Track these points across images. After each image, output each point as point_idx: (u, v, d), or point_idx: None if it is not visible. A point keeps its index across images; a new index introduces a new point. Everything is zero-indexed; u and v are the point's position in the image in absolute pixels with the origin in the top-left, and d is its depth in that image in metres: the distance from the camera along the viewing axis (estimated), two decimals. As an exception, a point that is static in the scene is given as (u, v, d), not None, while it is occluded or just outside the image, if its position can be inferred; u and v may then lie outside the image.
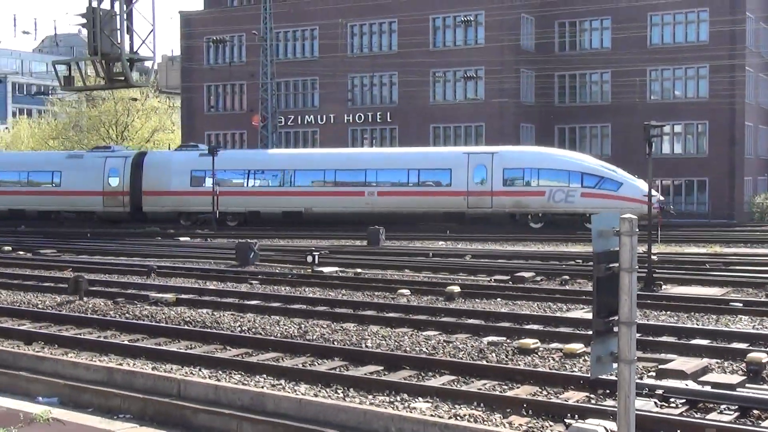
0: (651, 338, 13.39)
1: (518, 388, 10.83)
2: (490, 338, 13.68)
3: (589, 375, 9.74)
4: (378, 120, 56.74)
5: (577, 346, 12.62)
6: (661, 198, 39.07)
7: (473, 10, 53.52)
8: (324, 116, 57.91)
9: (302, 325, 14.98)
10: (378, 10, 55.98)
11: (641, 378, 10.85)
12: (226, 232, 38.62)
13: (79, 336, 14.30)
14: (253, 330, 14.66)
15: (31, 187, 46.58)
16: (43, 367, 12.29)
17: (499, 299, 17.94)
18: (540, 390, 10.69)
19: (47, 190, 46.09)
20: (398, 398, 10.46)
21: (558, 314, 15.96)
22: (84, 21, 18.76)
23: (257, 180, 44.19)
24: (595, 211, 35.69)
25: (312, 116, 58.36)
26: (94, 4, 18.52)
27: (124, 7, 18.77)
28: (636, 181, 38.30)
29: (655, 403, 9.85)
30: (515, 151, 42.28)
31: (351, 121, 57.42)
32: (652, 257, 19.94)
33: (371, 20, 56.71)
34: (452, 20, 54.41)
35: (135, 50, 19.18)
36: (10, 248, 30.03)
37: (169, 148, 57.40)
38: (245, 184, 43.98)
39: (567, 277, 21.05)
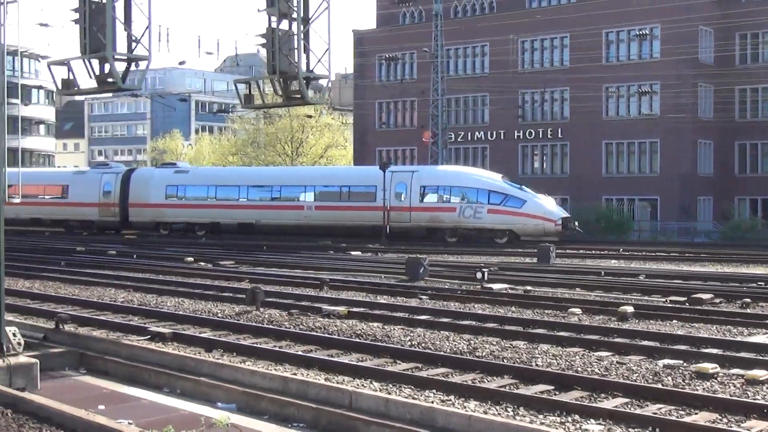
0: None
1: (696, 414, 10.42)
2: (666, 361, 13.23)
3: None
4: (549, 136, 56.15)
5: (761, 373, 12.03)
6: (566, 215, 41.64)
7: (648, 23, 52.27)
8: (494, 132, 57.81)
9: (471, 342, 14.96)
10: (549, 25, 55.49)
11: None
12: (395, 247, 39.05)
13: (256, 345, 14.77)
14: (423, 345, 14.75)
15: (47, 198, 51.89)
16: (223, 374, 12.79)
17: (674, 321, 17.33)
18: (719, 417, 10.26)
19: (58, 201, 51.68)
20: (569, 419, 10.28)
21: (739, 338, 15.28)
22: (263, 41, 19.43)
23: (219, 194, 47.69)
24: (501, 227, 40.81)
25: (482, 132, 58.36)
26: (273, 25, 19.16)
27: (302, 27, 19.33)
28: (541, 200, 41.16)
29: None
30: (432, 169, 45.97)
31: (521, 137, 57.07)
32: None
33: (542, 35, 56.27)
34: (626, 34, 53.30)
35: (311, 69, 19.69)
36: (192, 259, 31.41)
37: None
38: (209, 198, 47.61)
39: (748, 300, 20.10)
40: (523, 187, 43.04)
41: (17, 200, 13.54)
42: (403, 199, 42.32)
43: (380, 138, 63.03)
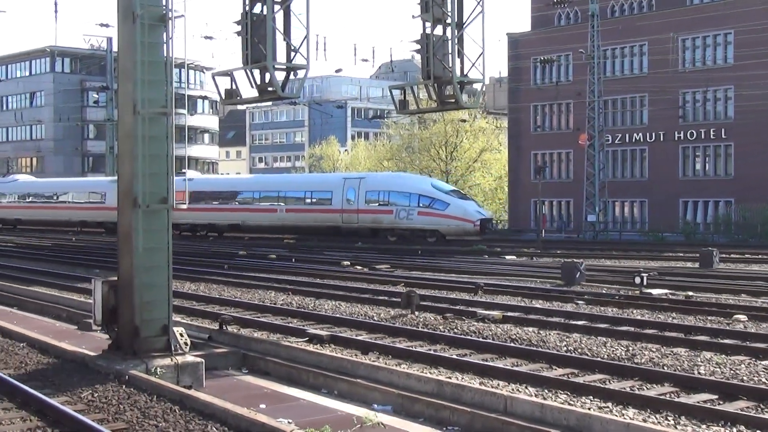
0: None
1: None
2: (840, 372, 12.57)
3: None
4: (711, 137, 54.17)
5: None
6: (487, 216, 46.52)
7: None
8: (653, 134, 56.24)
9: (630, 348, 14.62)
10: (712, 22, 53.51)
11: None
12: (551, 252, 38.59)
13: (411, 348, 14.91)
14: (579, 350, 14.52)
15: (90, 203, 60.67)
16: (379, 376, 12.97)
17: None
18: None
19: (99, 206, 58.98)
20: (734, 430, 9.91)
21: None
22: (418, 47, 19.58)
23: (215, 199, 53.32)
24: (430, 227, 45.15)
25: (640, 134, 56.88)
26: (428, 30, 19.29)
27: (456, 32, 19.38)
28: (465, 203, 45.73)
29: None
30: (377, 175, 54.28)
31: (682, 138, 55.27)
32: None
33: (705, 32, 54.33)
34: (797, 28, 50.78)
35: (465, 73, 19.69)
36: (348, 263, 31.97)
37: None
38: (207, 203, 52.47)
39: None
40: (453, 190, 48.32)
41: (184, 206, 14.14)
42: (351, 203, 47.24)
43: (535, 141, 62.39)
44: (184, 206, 14.16)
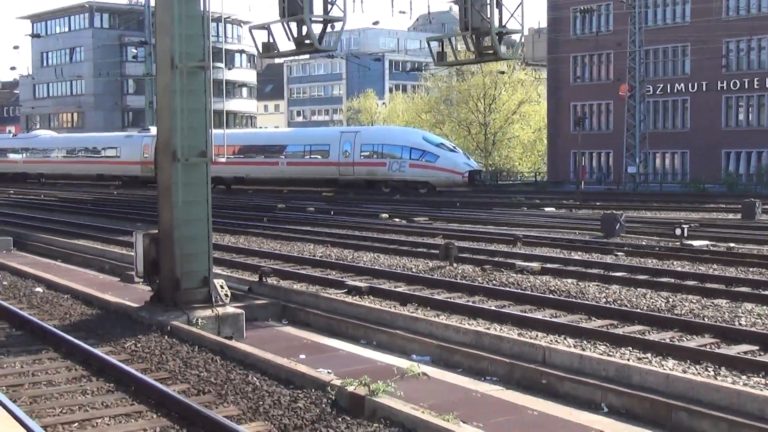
0: None
1: None
2: None
3: None
4: (755, 86, 53.19)
5: None
6: (476, 167, 48.70)
7: None
8: (695, 84, 55.35)
9: (670, 299, 14.55)
10: (757, -32, 52.30)
11: None
12: (591, 203, 38.35)
13: (449, 300, 14.95)
14: (619, 302, 14.47)
15: (106, 158, 63.02)
16: (418, 328, 13.05)
17: None
18: None
19: (115, 160, 61.83)
20: (775, 381, 9.86)
21: None
22: (456, -2, 19.41)
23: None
24: (420, 179, 46.68)
25: (682, 84, 56.00)
26: (466, -20, 19.06)
27: (494, -19, 19.14)
28: (455, 156, 47.18)
29: None
30: (372, 129, 55.61)
31: (725, 88, 54.35)
32: None
33: (749, -21, 53.14)
34: None
35: (503, 24, 19.49)
36: (387, 215, 32.01)
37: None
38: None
39: None
40: (443, 143, 49.53)
41: (222, 160, 14.22)
42: (348, 156, 48.73)
43: (575, 93, 61.70)
44: (223, 159, 14.24)
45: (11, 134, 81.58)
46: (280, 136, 58.96)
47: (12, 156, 71.35)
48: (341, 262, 19.71)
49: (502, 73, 66.87)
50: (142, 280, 14.01)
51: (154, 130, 62.53)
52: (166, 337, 11.73)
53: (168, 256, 13.04)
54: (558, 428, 8.28)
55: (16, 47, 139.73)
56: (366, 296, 15.47)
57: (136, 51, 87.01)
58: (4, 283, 17.09)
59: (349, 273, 18.22)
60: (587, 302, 14.39)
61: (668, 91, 56.58)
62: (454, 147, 50.12)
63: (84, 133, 79.22)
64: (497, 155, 71.01)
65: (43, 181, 67.08)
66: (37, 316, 13.28)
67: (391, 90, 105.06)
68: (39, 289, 16.12)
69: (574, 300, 14.64)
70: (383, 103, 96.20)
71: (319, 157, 50.82)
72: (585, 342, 11.85)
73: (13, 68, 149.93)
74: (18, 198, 48.42)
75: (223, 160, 13.97)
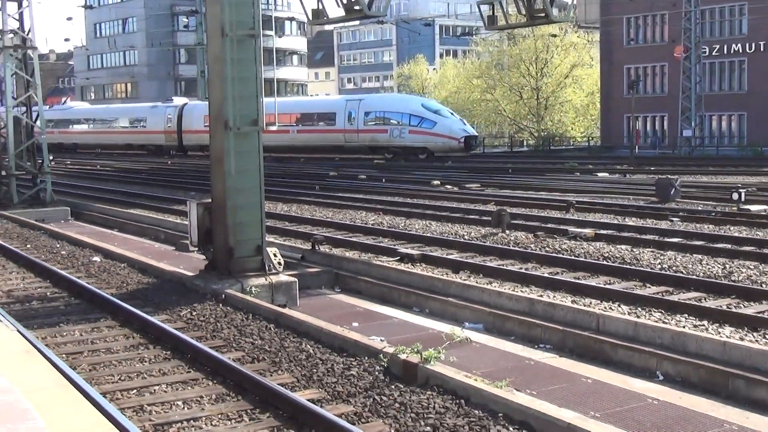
0: None
1: None
2: None
3: None
4: (816, 46, 51.89)
5: None
6: (472, 133, 49.10)
7: None
8: (752, 44, 54.10)
9: (726, 265, 14.33)
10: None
11: None
12: (645, 168, 37.83)
13: (502, 267, 14.89)
14: (674, 268, 14.29)
15: (133, 128, 64.55)
16: (470, 295, 13.03)
17: None
18: None
19: (141, 130, 63.34)
20: (835, 348, 9.67)
21: None
22: (507, -40, 19.18)
23: None
24: (419, 145, 47.84)
25: (739, 45, 54.77)
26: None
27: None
28: (451, 122, 48.36)
29: None
30: (374, 97, 56.66)
31: (784, 48, 53.09)
32: None
33: (811, -65, 51.60)
34: None
35: (556, -14, 19.23)
36: (438, 182, 31.93)
37: None
38: None
39: None
40: (440, 109, 50.50)
41: (274, 128, 14.24)
42: (353, 123, 50.03)
43: (629, 55, 60.69)
44: (274, 128, 14.27)
45: (47, 106, 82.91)
46: (291, 105, 59.80)
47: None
48: (393, 229, 19.73)
49: (554, 36, 65.94)
50: (196, 249, 14.16)
51: (176, 100, 64.79)
52: (221, 305, 11.87)
53: (221, 225, 13.15)
54: (612, 396, 8.22)
55: (69, 18, 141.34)
56: (418, 263, 15.48)
57: (187, 20, 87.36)
58: (63, 252, 17.40)
59: (401, 240, 18.24)
60: (642, 269, 14.23)
61: (725, 52, 55.39)
62: (451, 113, 51.48)
63: (113, 104, 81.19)
64: (549, 120, 70.25)
65: (77, 151, 68.48)
66: (95, 285, 13.51)
67: (441, 55, 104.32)
68: (96, 258, 16.39)
69: (628, 266, 14.50)
70: (434, 69, 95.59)
71: (326, 125, 52.06)
72: (639, 309, 11.73)
73: (67, 39, 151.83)
74: (74, 168, 49.17)
75: (275, 128, 13.94)
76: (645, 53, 59.65)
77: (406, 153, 48.28)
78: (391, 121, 49.07)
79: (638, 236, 17.73)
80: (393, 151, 49.12)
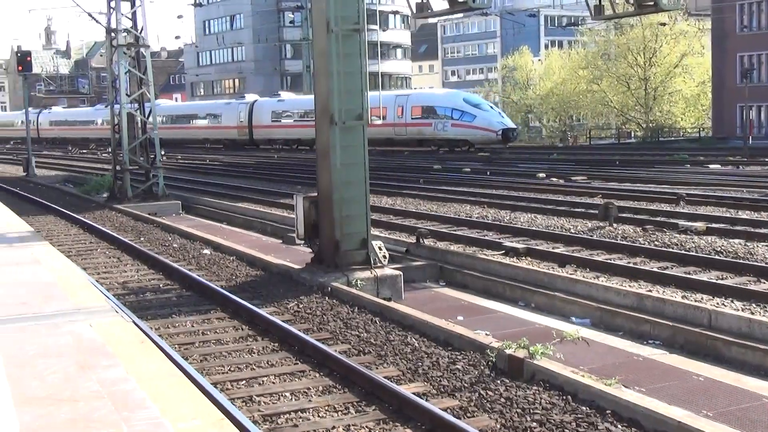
0: None
1: None
2: None
3: None
4: None
5: None
6: (510, 125, 50.46)
7: None
8: None
9: None
10: None
11: None
12: (759, 159, 36.63)
13: (609, 261, 14.66)
14: (791, 263, 13.82)
15: (209, 123, 68.47)
16: (576, 290, 12.87)
17: None
18: None
19: (216, 125, 67.28)
20: None
21: None
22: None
23: (287, 119, 61.31)
24: (461, 137, 49.83)
25: None
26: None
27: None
28: (490, 115, 50.02)
29: None
30: (420, 93, 59.13)
31: None
32: None
33: None
34: None
35: (665, -26, 18.75)
36: (543, 175, 31.57)
37: None
38: (281, 122, 61.46)
39: None
40: (480, 103, 52.23)
41: (379, 122, 14.33)
42: (401, 118, 51.72)
43: (742, 43, 58.84)
44: (379, 122, 14.35)
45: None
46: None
47: None
48: (498, 222, 19.61)
49: (663, 24, 64.35)
50: (302, 242, 14.35)
51: (249, 97, 68.02)
52: (327, 298, 12.00)
53: (327, 219, 13.30)
54: (725, 395, 8.00)
55: (180, 16, 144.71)
56: (523, 257, 15.35)
57: (293, 16, 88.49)
58: (175, 245, 17.88)
59: (506, 234, 18.11)
60: (756, 263, 13.81)
61: None
62: (491, 107, 53.39)
63: (192, 102, 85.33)
64: (658, 111, 68.62)
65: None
66: (206, 277, 13.84)
67: (546, 46, 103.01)
68: (206, 251, 16.78)
69: (741, 261, 14.08)
70: (539, 60, 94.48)
71: (375, 119, 53.11)
72: (754, 305, 11.38)
73: (177, 37, 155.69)
74: (185, 163, 50.44)
75: (379, 122, 14.02)
76: (759, 40, 57.72)
77: (449, 145, 50.44)
78: (436, 115, 50.95)
79: (752, 230, 17.19)
80: (437, 143, 51.22)
